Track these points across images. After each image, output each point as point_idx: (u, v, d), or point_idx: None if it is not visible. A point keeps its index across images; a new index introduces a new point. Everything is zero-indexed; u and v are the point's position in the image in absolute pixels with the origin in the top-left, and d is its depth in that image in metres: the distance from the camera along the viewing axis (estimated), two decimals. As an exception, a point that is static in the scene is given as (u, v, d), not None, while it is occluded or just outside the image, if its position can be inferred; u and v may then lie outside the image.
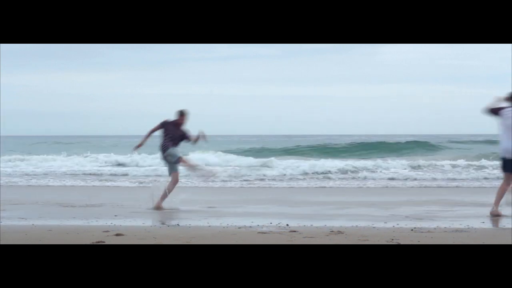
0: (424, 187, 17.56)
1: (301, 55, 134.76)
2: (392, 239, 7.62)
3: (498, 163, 23.28)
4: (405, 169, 21.84)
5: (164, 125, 12.67)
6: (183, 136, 12.74)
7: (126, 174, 21.88)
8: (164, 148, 12.63)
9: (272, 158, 25.34)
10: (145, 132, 12.69)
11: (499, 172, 20.65)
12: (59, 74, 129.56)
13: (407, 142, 40.67)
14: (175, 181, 12.62)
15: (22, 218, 10.26)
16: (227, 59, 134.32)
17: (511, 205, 10.75)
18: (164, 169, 22.59)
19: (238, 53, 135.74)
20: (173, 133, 12.63)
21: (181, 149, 12.93)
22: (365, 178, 19.94)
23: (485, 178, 19.55)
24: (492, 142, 46.52)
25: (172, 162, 12.62)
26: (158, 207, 12.15)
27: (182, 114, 12.85)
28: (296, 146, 41.42)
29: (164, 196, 12.38)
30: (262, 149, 39.24)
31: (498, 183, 18.36)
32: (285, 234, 8.23)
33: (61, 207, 12.28)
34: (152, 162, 25.70)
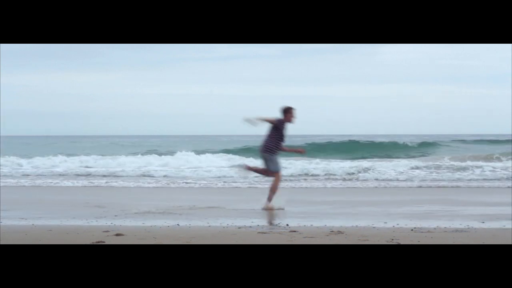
0: (424, 187, 17.57)
1: (301, 55, 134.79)
2: (392, 239, 7.62)
3: (498, 163, 23.35)
4: (405, 168, 21.82)
5: (279, 124, 12.26)
6: (283, 135, 12.36)
7: (121, 176, 21.85)
8: (270, 149, 12.28)
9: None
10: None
11: (498, 172, 20.70)
12: (59, 74, 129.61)
13: (407, 142, 40.67)
14: (278, 180, 12.40)
15: (22, 218, 10.26)
16: (227, 59, 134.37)
17: None
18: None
19: (238, 53, 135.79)
20: (281, 134, 12.29)
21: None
22: (365, 178, 19.94)
23: (485, 179, 19.55)
24: (492, 142, 46.60)
25: (269, 166, 12.38)
26: (267, 208, 12.02)
27: (289, 111, 12.36)
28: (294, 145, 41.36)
29: (271, 195, 12.24)
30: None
31: (498, 183, 18.41)
32: (285, 234, 8.23)
33: (61, 207, 12.28)
34: (141, 163, 25.85)
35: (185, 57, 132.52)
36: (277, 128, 12.27)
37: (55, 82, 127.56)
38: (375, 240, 7.52)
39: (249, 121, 12.18)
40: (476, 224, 9.35)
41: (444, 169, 21.65)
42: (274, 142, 12.30)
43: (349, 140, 40.89)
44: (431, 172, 20.96)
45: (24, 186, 18.53)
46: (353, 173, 20.89)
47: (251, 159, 26.24)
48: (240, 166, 13.18)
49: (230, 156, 28.37)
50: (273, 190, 12.32)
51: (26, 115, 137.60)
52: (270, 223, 9.94)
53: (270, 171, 12.41)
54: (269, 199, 12.19)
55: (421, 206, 12.29)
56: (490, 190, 16.59)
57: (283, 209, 11.92)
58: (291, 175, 20.92)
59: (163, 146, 46.97)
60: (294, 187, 17.73)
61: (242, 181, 19.33)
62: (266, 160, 12.40)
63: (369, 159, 27.26)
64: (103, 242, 7.39)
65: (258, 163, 12.64)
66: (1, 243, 6.91)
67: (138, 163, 25.62)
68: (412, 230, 8.63)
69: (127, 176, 21.60)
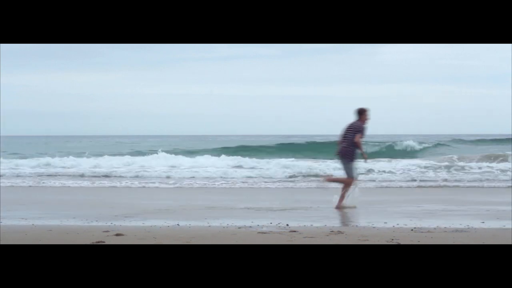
0: (424, 187, 17.56)
1: (301, 55, 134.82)
2: (392, 239, 7.62)
3: (498, 163, 23.32)
4: (405, 168, 21.81)
5: (358, 128, 12.39)
6: (360, 134, 12.40)
7: (121, 176, 21.81)
8: (351, 155, 12.41)
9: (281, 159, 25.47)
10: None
11: (498, 172, 20.69)
12: (59, 74, 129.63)
13: (407, 142, 40.63)
14: (349, 184, 12.52)
15: (22, 218, 10.26)
16: (227, 59, 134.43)
17: None
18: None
19: (238, 53, 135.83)
20: (354, 134, 12.37)
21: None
22: (365, 178, 19.94)
23: (485, 179, 19.55)
24: (492, 141, 46.59)
25: (347, 171, 12.52)
26: (339, 207, 12.16)
27: (363, 113, 12.50)
28: (291, 143, 41.39)
29: (343, 195, 12.37)
30: (260, 148, 39.23)
31: (498, 183, 18.41)
32: (285, 234, 8.23)
33: (61, 207, 12.28)
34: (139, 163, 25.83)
35: (185, 57, 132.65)
36: (356, 132, 12.37)
37: (55, 82, 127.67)
38: (375, 240, 7.52)
39: (365, 155, 12.56)
40: (476, 224, 9.35)
41: (444, 169, 21.65)
42: (352, 145, 12.41)
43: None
44: (432, 172, 20.95)
45: (24, 186, 18.53)
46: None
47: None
48: (323, 179, 13.20)
49: (230, 156, 28.33)
50: (344, 190, 12.41)
51: (26, 115, 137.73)
52: (344, 223, 10.03)
53: (347, 176, 12.51)
54: (341, 199, 12.31)
55: (421, 206, 12.29)
56: (490, 190, 16.59)
57: (355, 207, 12.09)
58: (295, 176, 20.91)
59: (163, 146, 46.93)
60: (293, 187, 17.73)
61: (242, 181, 19.34)
62: (344, 165, 12.52)
63: (369, 159, 27.21)
64: (103, 242, 7.39)
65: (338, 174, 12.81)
66: (1, 243, 6.91)
67: (138, 163, 25.61)
68: (412, 230, 8.63)
69: (127, 176, 21.59)
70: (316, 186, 12.27)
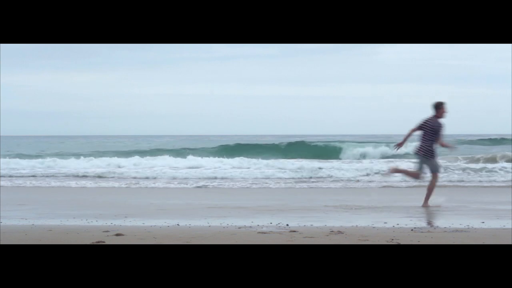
0: (424, 187, 17.53)
1: (301, 55, 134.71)
2: (392, 239, 7.62)
3: (498, 163, 23.32)
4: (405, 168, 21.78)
5: (434, 124, 12.40)
6: (439, 133, 12.43)
7: (121, 176, 21.80)
8: (429, 152, 12.42)
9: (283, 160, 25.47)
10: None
11: (498, 172, 20.68)
12: (59, 74, 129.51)
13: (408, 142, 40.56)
14: (436, 180, 12.59)
15: (22, 218, 10.26)
16: (227, 59, 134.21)
17: None
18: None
19: (238, 53, 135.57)
20: (437, 132, 12.41)
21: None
22: (366, 179, 19.93)
23: (485, 179, 19.54)
24: (492, 142, 46.59)
25: (432, 168, 12.57)
26: (425, 206, 12.27)
27: (440, 107, 12.48)
28: (290, 143, 41.42)
29: (429, 195, 12.44)
30: (259, 148, 39.23)
31: (498, 183, 18.41)
32: (285, 234, 8.23)
33: (61, 207, 12.28)
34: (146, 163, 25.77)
35: (184, 57, 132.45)
36: (432, 128, 12.39)
37: (55, 82, 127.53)
38: (375, 240, 7.52)
39: (401, 144, 12.70)
40: (476, 224, 9.35)
41: (443, 169, 21.62)
42: (432, 143, 12.44)
43: (349, 141, 40.85)
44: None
45: (24, 186, 18.54)
46: (352, 173, 20.86)
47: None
48: (389, 169, 13.44)
49: (229, 156, 28.33)
50: (430, 189, 12.52)
51: (26, 115, 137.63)
52: (430, 223, 10.01)
53: (433, 172, 12.57)
54: (427, 198, 12.42)
55: (421, 205, 12.30)
56: (490, 190, 16.58)
57: (439, 206, 12.14)
58: (295, 175, 20.91)
59: (162, 146, 46.98)
60: (293, 188, 17.73)
61: (242, 181, 19.35)
62: (425, 163, 12.53)
63: (369, 159, 27.23)
64: (103, 242, 7.39)
65: (408, 165, 12.92)
66: (1, 243, 6.91)
67: (138, 163, 25.60)
68: (412, 230, 8.63)
69: (127, 176, 21.59)
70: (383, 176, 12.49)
